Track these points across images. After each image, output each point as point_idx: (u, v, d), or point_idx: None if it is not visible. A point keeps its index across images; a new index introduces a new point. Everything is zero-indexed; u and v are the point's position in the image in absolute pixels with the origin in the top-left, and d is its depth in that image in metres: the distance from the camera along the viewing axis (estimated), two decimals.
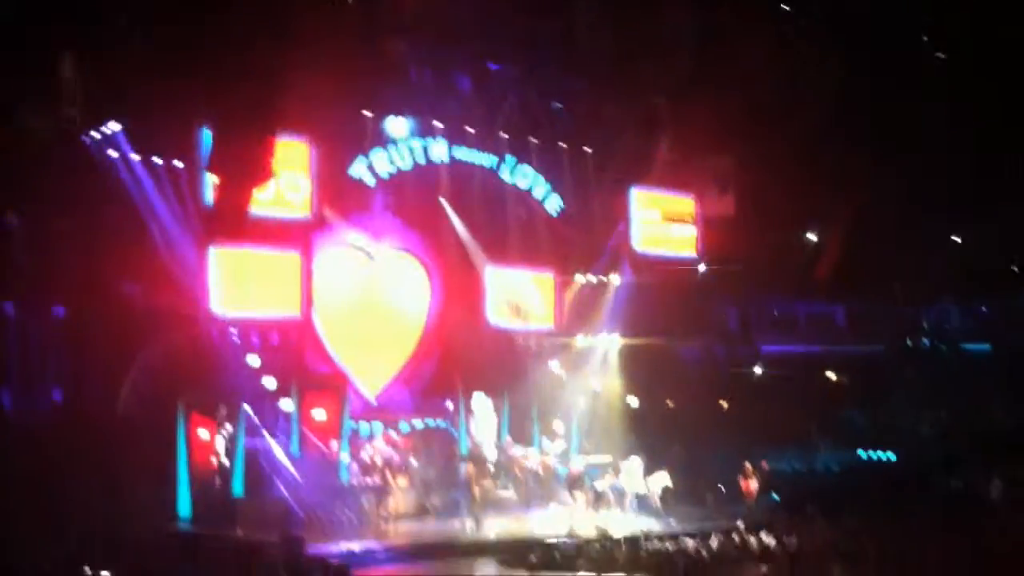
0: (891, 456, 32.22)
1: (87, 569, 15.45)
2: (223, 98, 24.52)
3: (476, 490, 26.78)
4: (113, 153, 25.65)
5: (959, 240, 35.25)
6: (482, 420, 31.07)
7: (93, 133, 25.44)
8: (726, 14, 29.44)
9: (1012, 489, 27.92)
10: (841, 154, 31.40)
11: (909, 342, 36.12)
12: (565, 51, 30.42)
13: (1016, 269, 35.37)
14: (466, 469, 27.12)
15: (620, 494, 27.92)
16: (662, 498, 28.19)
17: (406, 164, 30.00)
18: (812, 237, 35.81)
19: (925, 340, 36.34)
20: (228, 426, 25.78)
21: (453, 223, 31.33)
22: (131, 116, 25.53)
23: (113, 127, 25.48)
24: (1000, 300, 36.45)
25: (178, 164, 26.40)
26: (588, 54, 30.06)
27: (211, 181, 26.07)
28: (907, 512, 26.26)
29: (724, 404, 34.62)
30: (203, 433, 25.90)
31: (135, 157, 25.82)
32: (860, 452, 32.77)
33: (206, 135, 25.54)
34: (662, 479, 28.28)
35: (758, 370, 34.01)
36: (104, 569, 15.64)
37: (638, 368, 33.80)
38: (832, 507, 26.90)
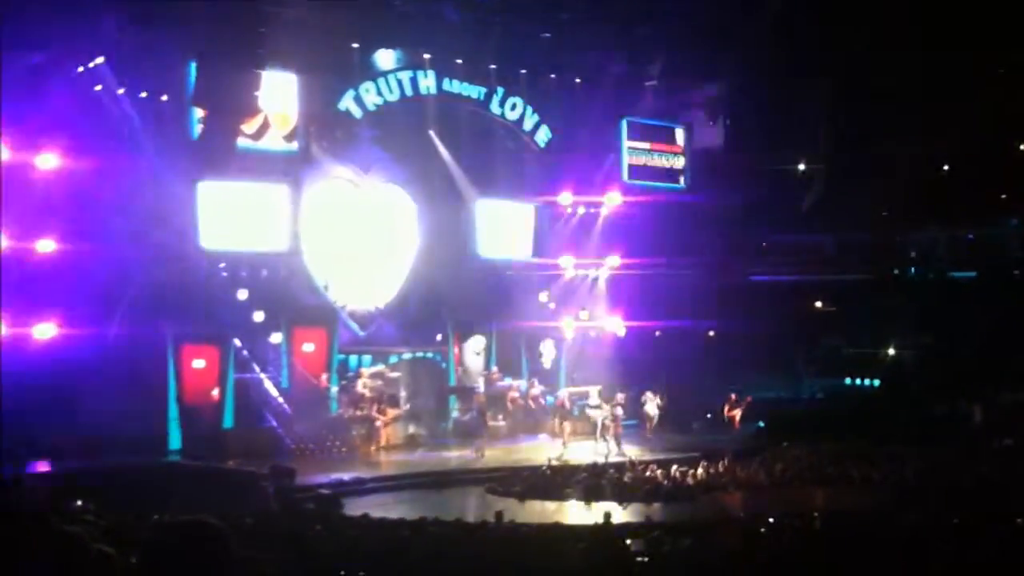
0: (876, 383, 32.52)
1: (78, 502, 15.69)
2: (209, 31, 24.63)
3: (488, 419, 26.96)
4: (99, 88, 25.56)
5: (947, 168, 35.30)
6: (472, 351, 31.41)
7: (80, 68, 25.35)
8: None
9: (993, 413, 28.25)
10: (828, 85, 31.38)
11: (896, 271, 36.25)
12: None
13: (1004, 196, 35.37)
14: (476, 399, 27.27)
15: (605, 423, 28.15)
16: (658, 417, 28.53)
17: (394, 96, 29.94)
18: (801, 167, 35.84)
19: (912, 268, 36.47)
20: None
21: (441, 155, 31.29)
22: (118, 50, 25.42)
23: (99, 62, 25.36)
24: (986, 228, 36.48)
25: (164, 98, 26.34)
26: None
27: (198, 115, 26.18)
28: (891, 437, 26.54)
29: (711, 333, 34.90)
30: (194, 366, 26.17)
31: (121, 92, 25.69)
32: (846, 379, 33.08)
33: (192, 69, 25.64)
34: (653, 400, 28.58)
35: (745, 298, 34.11)
36: (93, 503, 15.85)
37: (626, 297, 34.04)
38: (817, 433, 27.25)
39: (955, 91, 30.69)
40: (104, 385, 23.37)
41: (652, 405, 28.60)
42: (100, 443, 22.94)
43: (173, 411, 25.58)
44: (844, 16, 30.12)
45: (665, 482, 22.86)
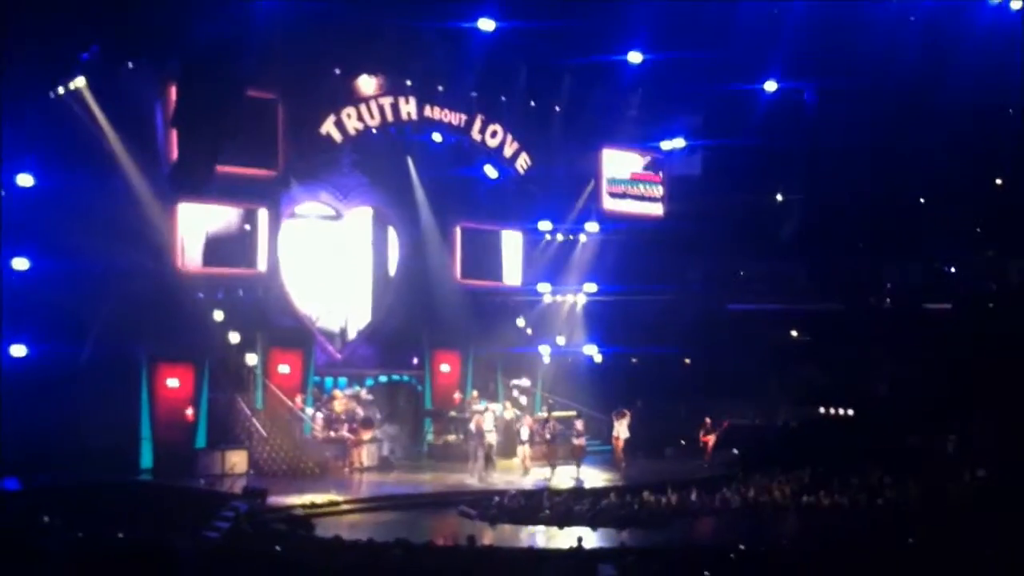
0: (850, 412, 32.72)
1: (45, 518, 15.71)
2: (190, 53, 24.75)
3: (487, 440, 26.87)
4: (79, 108, 25.63)
5: (923, 200, 35.65)
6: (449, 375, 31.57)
7: (58, 89, 25.43)
8: None
9: (967, 444, 28.44)
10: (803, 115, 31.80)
11: (871, 301, 36.48)
12: (535, 10, 30.35)
13: (979, 229, 35.73)
14: (475, 421, 27.26)
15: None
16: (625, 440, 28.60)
17: (375, 122, 29.93)
18: (778, 196, 36.15)
19: (887, 299, 36.70)
20: None
21: (416, 182, 31.49)
22: (98, 70, 25.50)
23: (79, 82, 25.45)
24: (961, 259, 36.81)
25: (144, 119, 26.41)
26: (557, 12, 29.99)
27: (177, 137, 26.24)
28: (863, 466, 26.69)
29: (687, 360, 35.09)
30: (169, 385, 26.16)
31: (100, 112, 25.76)
32: (819, 408, 33.28)
33: (173, 90, 25.76)
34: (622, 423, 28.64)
35: (721, 326, 34.34)
36: (63, 519, 15.88)
37: (604, 323, 34.30)
38: (790, 462, 27.38)
39: (929, 124, 31.05)
40: (77, 402, 23.49)
41: (621, 427, 28.56)
42: (71, 460, 22.96)
43: (146, 429, 25.48)
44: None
45: (638, 508, 22.93)
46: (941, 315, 34.61)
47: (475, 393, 31.25)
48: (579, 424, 28.29)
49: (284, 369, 28.39)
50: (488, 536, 19.81)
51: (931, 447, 29.06)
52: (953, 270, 37.41)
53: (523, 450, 27.86)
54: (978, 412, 29.10)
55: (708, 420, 29.48)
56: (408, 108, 30.39)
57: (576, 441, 27.95)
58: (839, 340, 34.26)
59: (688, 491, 24.41)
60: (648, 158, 35.07)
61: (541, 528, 21.57)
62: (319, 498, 22.88)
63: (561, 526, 21.43)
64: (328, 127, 29.17)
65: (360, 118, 29.61)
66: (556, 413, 30.72)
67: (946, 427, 29.15)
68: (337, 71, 29.39)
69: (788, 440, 31.01)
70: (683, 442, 30.98)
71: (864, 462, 27.03)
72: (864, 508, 23.81)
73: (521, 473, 27.05)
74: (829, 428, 32.22)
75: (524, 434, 27.99)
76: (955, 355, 31.26)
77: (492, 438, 27.11)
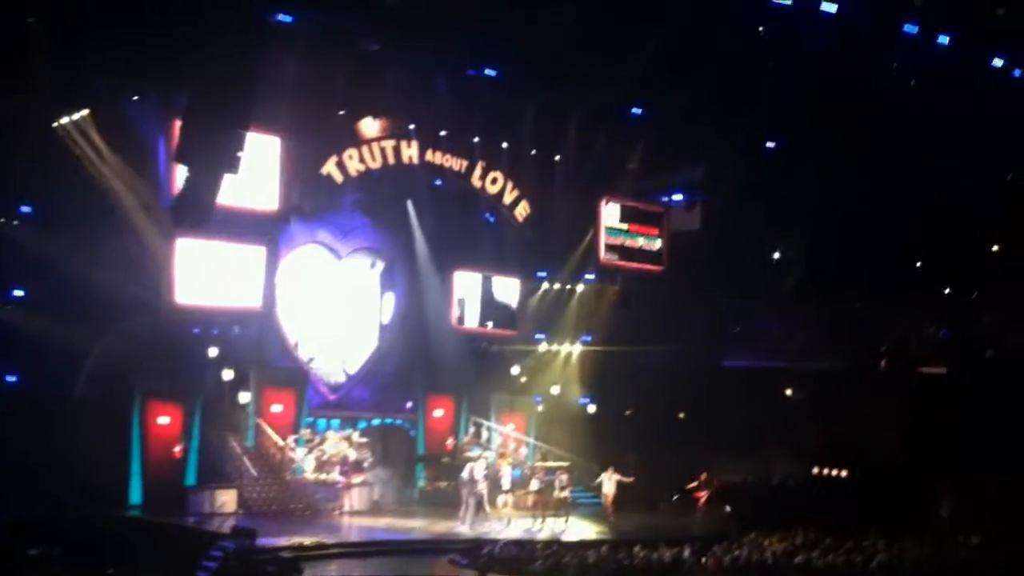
0: (844, 473, 32.55)
1: (32, 551, 15.43)
2: (194, 88, 24.68)
3: (479, 488, 26.55)
4: (82, 141, 25.57)
5: (919, 264, 35.78)
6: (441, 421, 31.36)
7: (62, 120, 25.37)
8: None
9: (962, 507, 28.25)
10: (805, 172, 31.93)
11: (868, 362, 36.42)
12: (538, 60, 30.45)
13: (974, 296, 35.80)
14: (468, 468, 27.01)
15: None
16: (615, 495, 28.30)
17: (376, 164, 29.95)
18: (776, 254, 36.21)
19: (883, 362, 36.64)
20: None
21: (415, 226, 31.50)
22: (101, 104, 25.48)
23: (82, 115, 25.40)
24: (957, 325, 36.84)
25: (148, 153, 26.35)
26: (560, 64, 30.09)
27: (179, 171, 26.12)
28: (858, 528, 26.45)
29: (681, 415, 34.92)
30: (159, 422, 25.91)
31: (104, 145, 25.69)
32: (814, 468, 33.10)
33: (177, 125, 25.68)
34: (611, 478, 28.30)
35: (717, 382, 34.19)
36: (53, 552, 15.61)
37: (598, 374, 34.16)
38: (784, 521, 27.11)
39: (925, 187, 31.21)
40: (68, 435, 23.28)
41: (610, 483, 28.25)
42: (60, 492, 22.58)
43: (136, 465, 25.31)
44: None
45: (629, 564, 22.63)
46: (938, 378, 34.57)
47: (467, 439, 31.09)
48: (563, 476, 28.00)
49: (277, 408, 28.24)
50: None
51: (926, 510, 28.83)
52: (942, 334, 37.42)
53: (505, 498, 27.62)
54: (973, 476, 28.90)
55: (703, 475, 29.23)
56: (410, 151, 30.45)
57: (559, 494, 27.66)
58: (836, 400, 34.18)
59: (680, 548, 24.09)
60: (648, 211, 35.10)
61: None
62: (307, 540, 22.57)
63: None
64: (330, 167, 29.18)
65: (362, 160, 29.63)
66: (548, 463, 30.48)
67: (941, 490, 28.93)
68: (341, 112, 29.38)
69: (783, 499, 30.76)
70: (676, 497, 30.69)
71: (859, 523, 26.79)
72: (858, 570, 23.52)
73: (505, 523, 26.72)
74: (824, 488, 32.00)
75: (506, 483, 27.79)
76: (951, 419, 31.14)
77: (483, 487, 26.83)
